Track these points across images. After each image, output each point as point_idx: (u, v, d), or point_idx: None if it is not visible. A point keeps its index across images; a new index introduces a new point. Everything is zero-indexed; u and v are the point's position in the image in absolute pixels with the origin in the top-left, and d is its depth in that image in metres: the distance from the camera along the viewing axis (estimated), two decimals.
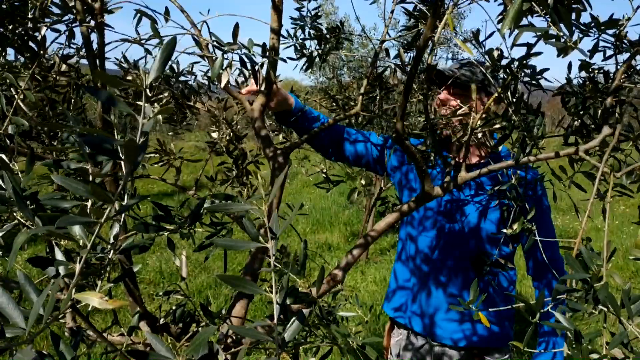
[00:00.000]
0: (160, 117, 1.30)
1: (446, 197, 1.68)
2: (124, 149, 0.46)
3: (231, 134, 1.59)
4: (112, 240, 0.59)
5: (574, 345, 0.65)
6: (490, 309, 1.16)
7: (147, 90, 0.51)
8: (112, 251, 0.58)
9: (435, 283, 1.72)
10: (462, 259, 1.66)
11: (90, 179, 0.64)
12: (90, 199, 0.49)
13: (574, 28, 0.73)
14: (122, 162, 0.48)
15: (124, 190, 0.50)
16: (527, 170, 1.41)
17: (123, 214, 0.58)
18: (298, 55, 1.39)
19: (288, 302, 0.73)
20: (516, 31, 0.74)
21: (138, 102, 1.28)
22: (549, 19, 0.70)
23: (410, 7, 1.21)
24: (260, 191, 0.69)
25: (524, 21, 0.77)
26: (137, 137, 0.48)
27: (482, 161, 1.66)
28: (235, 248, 0.63)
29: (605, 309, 0.63)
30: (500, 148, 1.61)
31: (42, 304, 0.45)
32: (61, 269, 0.55)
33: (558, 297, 0.72)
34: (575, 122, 1.04)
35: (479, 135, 1.26)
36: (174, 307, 1.10)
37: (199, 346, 0.49)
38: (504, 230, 1.32)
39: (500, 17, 0.89)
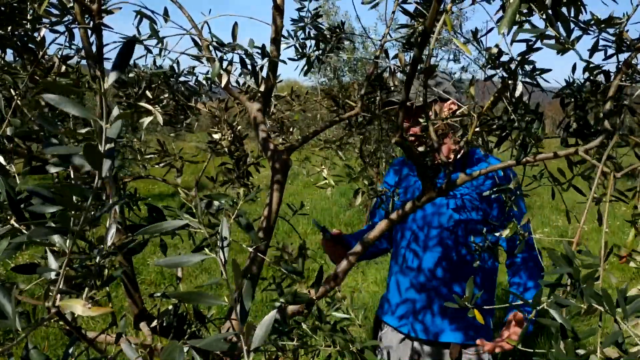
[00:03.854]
0: (160, 118, 1.30)
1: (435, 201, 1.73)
2: (85, 156, 0.44)
3: (232, 134, 1.59)
4: (108, 242, 0.59)
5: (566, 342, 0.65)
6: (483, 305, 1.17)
7: (105, 94, 0.48)
8: (103, 254, 0.58)
9: (420, 279, 1.77)
10: (449, 255, 1.72)
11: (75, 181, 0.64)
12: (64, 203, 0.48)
13: (572, 27, 0.73)
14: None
15: (109, 195, 0.50)
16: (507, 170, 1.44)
17: (117, 216, 0.58)
18: (298, 56, 1.39)
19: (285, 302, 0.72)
20: (514, 29, 0.74)
21: (139, 104, 1.28)
22: (547, 19, 0.70)
23: (409, 7, 1.21)
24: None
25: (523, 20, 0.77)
26: (101, 144, 0.46)
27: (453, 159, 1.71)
28: (178, 265, 0.62)
29: (601, 309, 0.63)
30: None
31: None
32: (50, 275, 0.55)
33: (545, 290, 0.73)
34: (574, 124, 1.04)
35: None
36: (168, 308, 1.10)
37: (173, 353, 0.48)
38: (497, 234, 1.33)
39: (498, 13, 0.89)
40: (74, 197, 0.50)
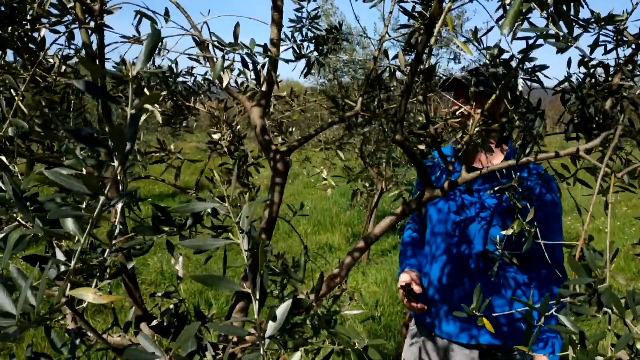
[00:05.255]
0: (159, 118, 1.29)
1: (453, 204, 1.72)
2: (111, 136, 0.46)
3: (232, 134, 1.59)
4: (111, 241, 0.59)
5: (578, 348, 0.64)
6: (502, 312, 1.16)
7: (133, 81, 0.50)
8: (110, 251, 0.58)
9: (451, 285, 1.75)
10: (474, 261, 1.70)
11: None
12: (83, 190, 0.49)
13: (573, 25, 0.73)
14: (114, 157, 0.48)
15: (120, 184, 0.50)
16: (530, 169, 1.41)
17: (121, 216, 0.58)
18: (296, 57, 1.39)
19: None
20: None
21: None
22: (548, 18, 0.70)
23: (407, 7, 1.21)
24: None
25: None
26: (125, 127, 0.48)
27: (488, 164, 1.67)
28: (202, 247, 0.63)
29: (610, 311, 0.63)
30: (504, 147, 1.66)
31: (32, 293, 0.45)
32: (59, 266, 0.55)
33: (561, 300, 0.72)
34: (575, 120, 1.04)
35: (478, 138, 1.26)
36: (169, 308, 1.10)
37: (186, 342, 0.48)
38: (503, 232, 1.32)
39: (498, 11, 0.89)
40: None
